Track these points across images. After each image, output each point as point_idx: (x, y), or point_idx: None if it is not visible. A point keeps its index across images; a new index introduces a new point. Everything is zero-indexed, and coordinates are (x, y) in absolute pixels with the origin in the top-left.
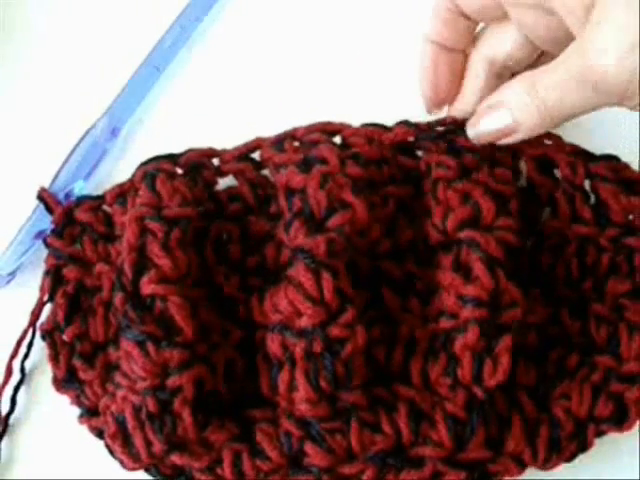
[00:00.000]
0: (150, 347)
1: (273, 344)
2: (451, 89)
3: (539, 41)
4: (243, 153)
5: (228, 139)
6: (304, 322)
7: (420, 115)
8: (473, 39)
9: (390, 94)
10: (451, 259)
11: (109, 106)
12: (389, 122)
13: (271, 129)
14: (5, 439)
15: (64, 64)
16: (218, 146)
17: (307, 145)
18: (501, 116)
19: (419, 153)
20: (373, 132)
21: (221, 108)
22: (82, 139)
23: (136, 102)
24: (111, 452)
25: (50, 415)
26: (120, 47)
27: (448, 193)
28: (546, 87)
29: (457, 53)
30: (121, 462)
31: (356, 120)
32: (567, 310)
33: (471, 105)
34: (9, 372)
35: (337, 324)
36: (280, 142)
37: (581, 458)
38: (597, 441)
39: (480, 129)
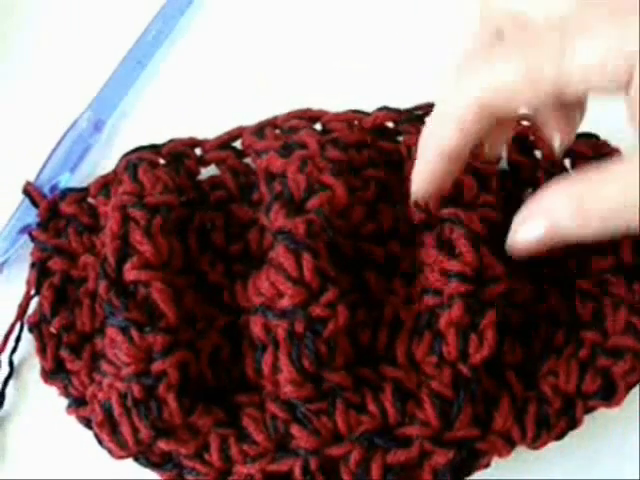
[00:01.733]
0: (134, 333)
1: (256, 326)
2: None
3: None
4: (225, 142)
5: (212, 132)
6: (285, 302)
7: (402, 104)
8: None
9: (372, 85)
10: (434, 236)
11: (92, 100)
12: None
13: (255, 120)
14: None
15: (47, 59)
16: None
17: (287, 131)
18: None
19: (400, 139)
20: (353, 117)
21: (204, 101)
22: (66, 133)
23: (119, 96)
24: (99, 441)
25: (40, 408)
26: (103, 41)
27: None
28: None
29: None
30: (109, 451)
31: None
32: (553, 288)
33: None
34: None
35: (318, 304)
36: (261, 130)
37: (582, 456)
38: (597, 440)
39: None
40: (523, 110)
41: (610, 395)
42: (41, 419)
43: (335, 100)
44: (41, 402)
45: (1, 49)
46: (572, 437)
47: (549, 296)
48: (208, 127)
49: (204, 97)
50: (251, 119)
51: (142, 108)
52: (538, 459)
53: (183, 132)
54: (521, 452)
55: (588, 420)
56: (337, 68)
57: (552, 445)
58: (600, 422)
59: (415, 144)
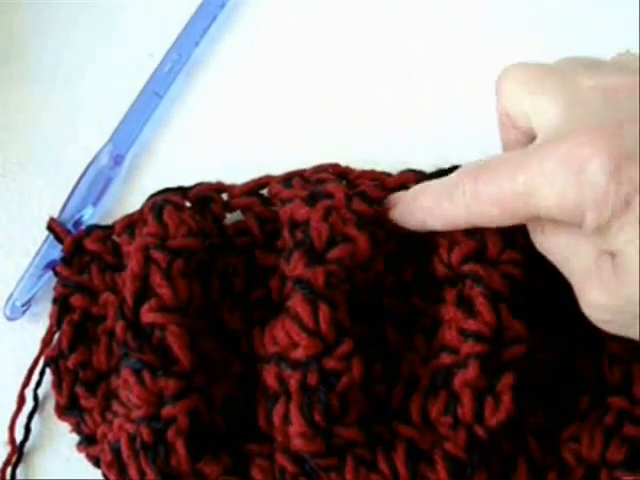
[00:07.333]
0: (146, 375)
1: (269, 376)
2: None
3: None
4: (252, 189)
5: (231, 163)
6: (299, 353)
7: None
8: None
9: (401, 142)
10: (455, 293)
11: (111, 134)
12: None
13: (266, 148)
14: (20, 466)
15: (66, 94)
16: (221, 171)
17: (315, 182)
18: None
19: None
20: (379, 177)
21: (224, 133)
22: (87, 168)
23: (138, 129)
24: None
25: (64, 442)
26: (119, 75)
27: None
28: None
29: None
30: None
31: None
32: (580, 348)
33: None
34: (22, 400)
35: (333, 356)
36: (288, 180)
37: None
38: None
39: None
40: None
41: (637, 465)
42: (66, 453)
43: (359, 157)
44: (66, 436)
45: (21, 86)
46: None
47: (575, 357)
48: (226, 160)
49: (223, 129)
50: (265, 149)
51: (161, 140)
52: None
53: (202, 163)
54: None
55: None
56: (362, 124)
57: None
58: None
59: None
